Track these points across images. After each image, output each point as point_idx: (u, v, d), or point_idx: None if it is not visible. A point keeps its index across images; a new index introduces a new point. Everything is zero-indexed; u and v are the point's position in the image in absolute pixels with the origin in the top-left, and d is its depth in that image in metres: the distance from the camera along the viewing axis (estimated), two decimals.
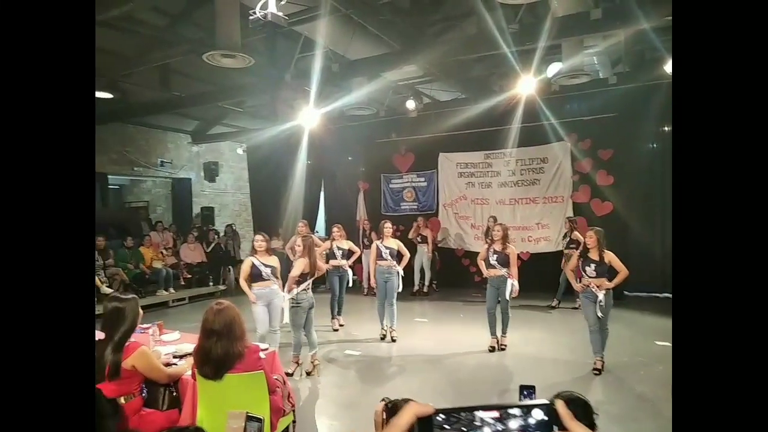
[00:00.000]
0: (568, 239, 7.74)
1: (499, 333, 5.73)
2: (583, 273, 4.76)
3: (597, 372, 4.73)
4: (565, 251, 7.63)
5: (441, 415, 0.56)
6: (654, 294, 8.34)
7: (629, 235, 7.94)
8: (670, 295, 7.61)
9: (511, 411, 0.56)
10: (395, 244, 6.26)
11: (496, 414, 0.55)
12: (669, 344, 4.96)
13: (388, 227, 6.29)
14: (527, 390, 1.67)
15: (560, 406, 0.57)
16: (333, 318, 6.94)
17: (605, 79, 7.32)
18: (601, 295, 4.63)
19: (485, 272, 5.66)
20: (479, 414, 0.55)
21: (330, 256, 6.90)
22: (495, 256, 5.53)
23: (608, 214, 8.40)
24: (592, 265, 4.70)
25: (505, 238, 5.56)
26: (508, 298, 5.51)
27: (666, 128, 8.17)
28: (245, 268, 4.97)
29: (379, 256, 6.19)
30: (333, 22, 5.44)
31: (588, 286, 4.71)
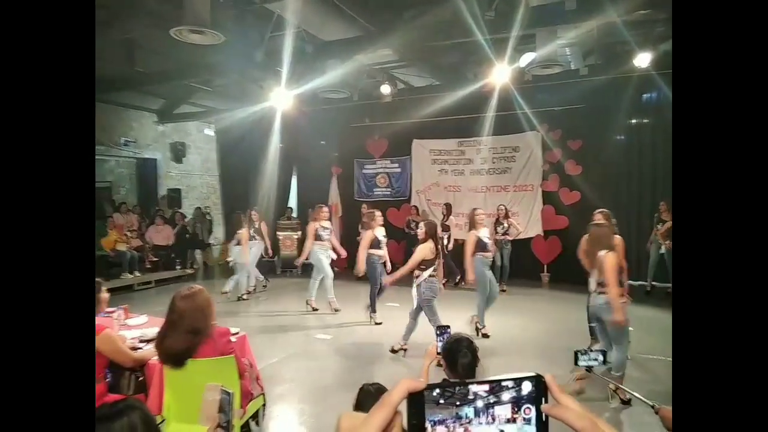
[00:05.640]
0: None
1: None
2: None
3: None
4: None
5: (436, 390, 0.56)
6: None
7: None
8: (633, 283, 7.87)
9: (504, 383, 0.57)
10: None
11: (487, 387, 0.57)
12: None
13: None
14: (441, 329, 2.22)
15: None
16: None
17: (576, 70, 7.44)
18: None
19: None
20: (473, 388, 0.57)
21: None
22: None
23: (576, 203, 8.62)
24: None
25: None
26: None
27: (633, 120, 8.40)
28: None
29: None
30: (307, 2, 5.31)
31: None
